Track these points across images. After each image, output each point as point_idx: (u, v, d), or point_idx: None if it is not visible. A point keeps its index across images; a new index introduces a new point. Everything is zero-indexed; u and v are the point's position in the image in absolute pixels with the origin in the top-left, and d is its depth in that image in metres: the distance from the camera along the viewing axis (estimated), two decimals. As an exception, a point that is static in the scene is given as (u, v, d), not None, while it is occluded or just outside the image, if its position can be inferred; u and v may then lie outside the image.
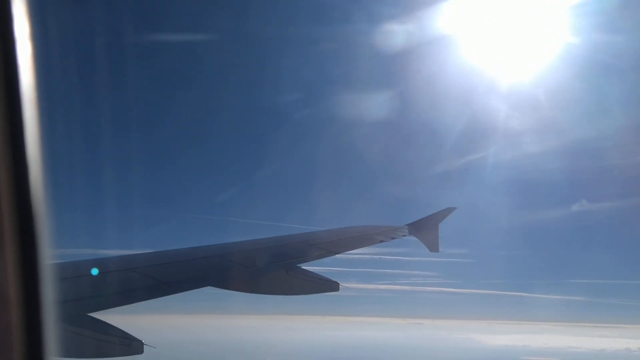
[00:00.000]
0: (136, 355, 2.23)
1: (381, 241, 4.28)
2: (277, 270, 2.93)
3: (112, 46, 1.59)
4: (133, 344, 2.18)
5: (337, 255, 3.39)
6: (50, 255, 1.71)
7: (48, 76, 1.64)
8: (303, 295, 3.06)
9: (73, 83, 1.70)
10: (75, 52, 1.68)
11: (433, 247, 4.68)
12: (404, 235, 4.64)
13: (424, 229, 4.65)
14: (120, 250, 1.92)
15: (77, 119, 1.69)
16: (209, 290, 2.48)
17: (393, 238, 4.45)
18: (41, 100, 1.63)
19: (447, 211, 4.68)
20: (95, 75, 1.77)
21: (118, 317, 2.22)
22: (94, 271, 1.77)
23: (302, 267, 3.16)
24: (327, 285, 3.12)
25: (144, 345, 2.21)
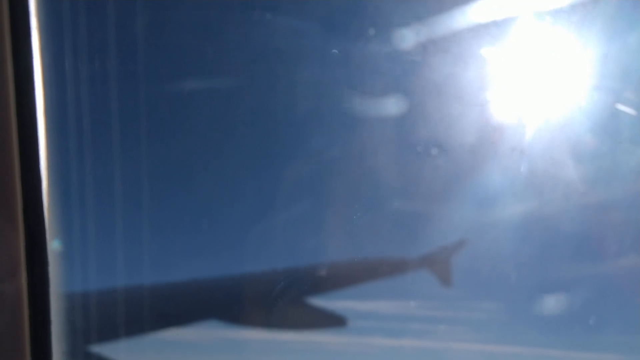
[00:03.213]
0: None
1: (391, 274, 4.13)
2: (280, 303, 2.84)
3: (129, 47, 1.51)
4: None
5: (352, 301, 3.29)
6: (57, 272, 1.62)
7: (61, 76, 1.55)
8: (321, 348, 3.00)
9: (86, 83, 1.59)
10: (89, 52, 1.57)
11: (446, 281, 4.53)
12: (415, 268, 4.49)
13: (435, 261, 4.51)
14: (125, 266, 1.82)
15: (90, 119, 1.59)
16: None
17: (403, 271, 4.31)
18: (53, 101, 1.54)
19: (459, 244, 4.52)
20: (111, 76, 1.66)
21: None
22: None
23: (307, 301, 3.06)
24: (333, 319, 3.02)
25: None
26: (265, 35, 1.69)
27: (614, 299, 1.86)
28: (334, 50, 1.66)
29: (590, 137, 1.68)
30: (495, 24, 1.67)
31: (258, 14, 1.67)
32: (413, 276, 2.11)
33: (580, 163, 1.73)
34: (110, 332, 2.22)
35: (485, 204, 1.78)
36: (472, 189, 1.76)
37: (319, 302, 2.90)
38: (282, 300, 2.67)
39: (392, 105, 1.71)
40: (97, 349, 2.16)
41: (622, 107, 1.66)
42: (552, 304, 1.87)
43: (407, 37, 1.66)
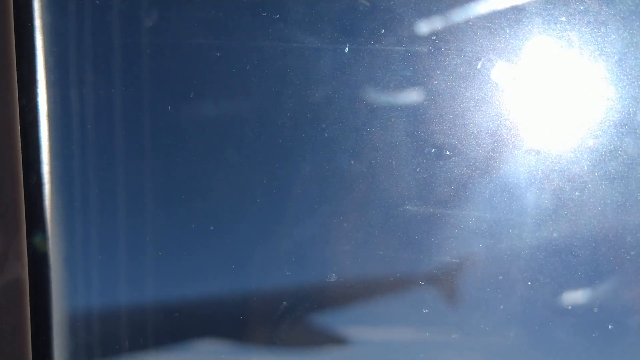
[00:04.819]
0: None
1: (397, 291, 4.07)
2: (283, 324, 2.77)
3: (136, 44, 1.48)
4: None
5: (357, 323, 3.22)
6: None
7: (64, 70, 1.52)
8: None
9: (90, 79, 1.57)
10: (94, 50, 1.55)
11: (452, 297, 4.48)
12: (421, 284, 4.43)
13: (441, 278, 4.45)
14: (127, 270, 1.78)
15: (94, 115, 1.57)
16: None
17: (409, 288, 4.25)
18: (56, 104, 1.53)
19: (465, 260, 4.46)
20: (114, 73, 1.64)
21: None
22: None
23: (311, 323, 2.99)
24: (333, 338, 2.95)
25: None
26: (274, 34, 1.66)
27: None
28: (345, 49, 1.64)
29: (608, 137, 1.65)
30: (511, 24, 1.64)
31: (267, 12, 1.65)
32: (421, 296, 2.04)
33: (599, 165, 1.67)
34: (113, 348, 2.16)
35: (500, 208, 1.74)
36: (485, 191, 1.72)
37: (323, 323, 2.84)
38: (285, 320, 2.61)
39: (403, 107, 1.69)
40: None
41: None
42: (574, 326, 1.80)
43: (420, 38, 1.65)
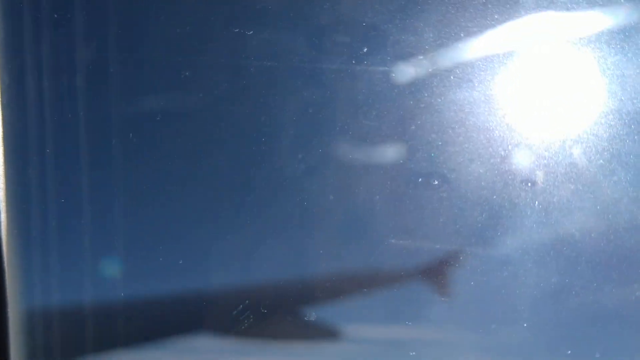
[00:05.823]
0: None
1: (389, 285, 4.04)
2: (274, 316, 2.75)
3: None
4: None
5: (347, 320, 3.21)
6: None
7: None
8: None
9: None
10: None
11: (443, 292, 4.43)
12: (413, 278, 4.38)
13: (432, 272, 4.40)
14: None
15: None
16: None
17: (401, 282, 4.20)
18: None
19: (456, 254, 4.38)
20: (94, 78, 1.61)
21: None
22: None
23: (299, 317, 2.98)
24: (326, 331, 2.94)
25: None
26: (262, 54, 1.59)
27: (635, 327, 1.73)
28: (332, 74, 1.58)
29: (606, 167, 1.57)
30: (503, 50, 1.55)
31: (254, 32, 1.58)
32: (414, 295, 2.14)
33: (597, 196, 1.59)
34: (75, 351, 2.09)
35: (495, 240, 1.70)
36: (479, 223, 1.67)
37: (313, 317, 2.79)
38: (273, 315, 2.56)
39: (392, 134, 1.61)
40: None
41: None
42: (576, 328, 1.76)
43: (411, 62, 1.56)
